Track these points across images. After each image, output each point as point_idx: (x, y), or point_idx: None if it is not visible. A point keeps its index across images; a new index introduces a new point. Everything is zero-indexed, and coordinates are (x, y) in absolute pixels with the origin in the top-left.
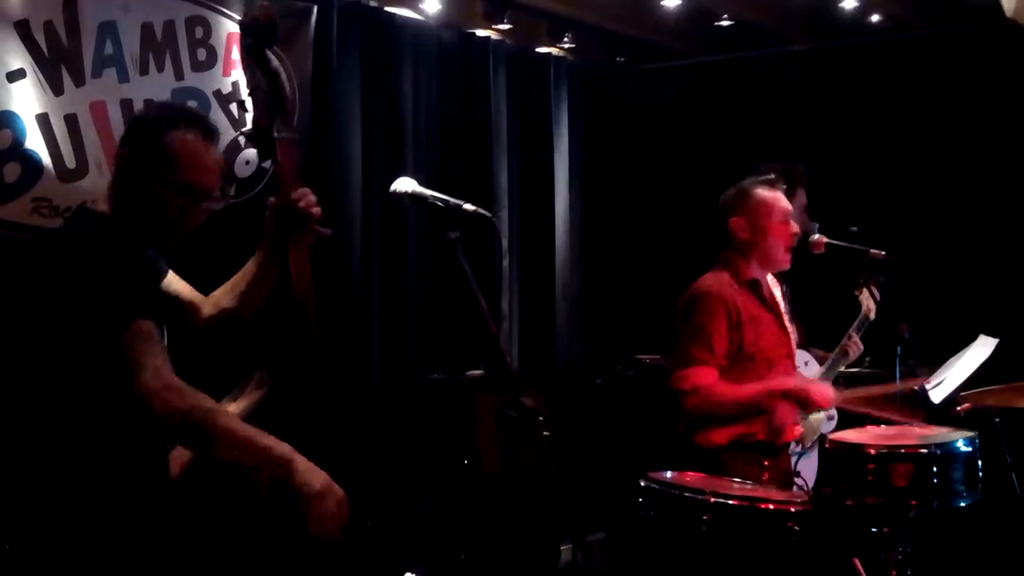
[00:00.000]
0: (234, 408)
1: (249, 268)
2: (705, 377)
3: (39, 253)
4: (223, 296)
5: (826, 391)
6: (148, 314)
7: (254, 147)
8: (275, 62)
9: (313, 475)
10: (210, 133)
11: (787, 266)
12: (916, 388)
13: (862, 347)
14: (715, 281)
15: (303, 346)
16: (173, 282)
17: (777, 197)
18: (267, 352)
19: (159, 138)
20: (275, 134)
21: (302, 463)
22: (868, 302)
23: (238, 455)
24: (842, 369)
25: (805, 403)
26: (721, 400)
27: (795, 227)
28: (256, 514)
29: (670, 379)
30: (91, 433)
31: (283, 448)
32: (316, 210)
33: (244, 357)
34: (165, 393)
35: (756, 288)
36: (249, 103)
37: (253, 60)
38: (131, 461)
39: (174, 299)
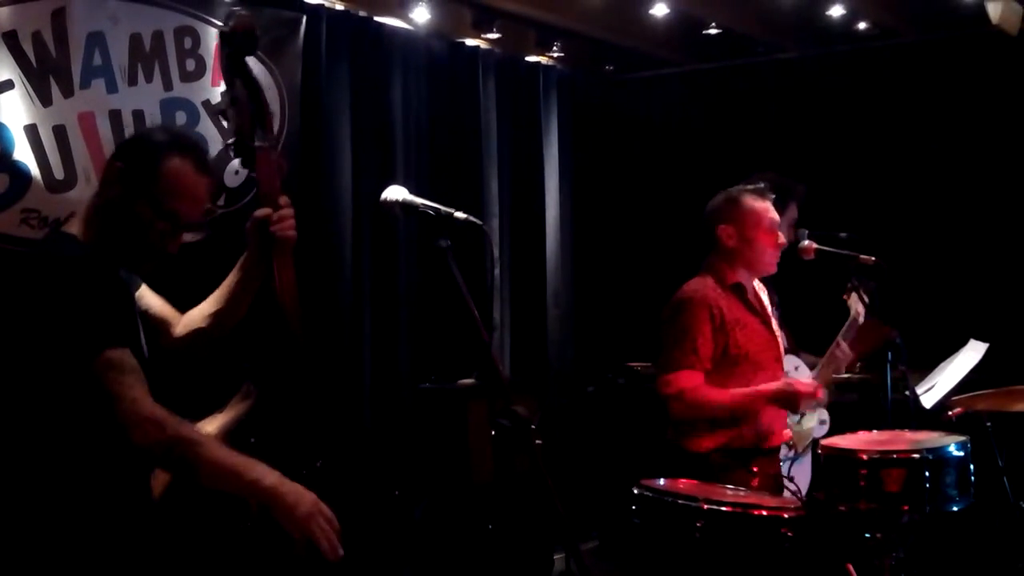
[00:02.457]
0: (220, 421)
1: (229, 282)
2: (690, 380)
3: (12, 277)
4: (198, 316)
5: (812, 386)
6: (121, 342)
7: (236, 157)
8: (255, 71)
9: (298, 502)
10: (206, 164)
11: (774, 270)
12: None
13: (851, 354)
14: (699, 286)
15: (289, 354)
16: (145, 296)
17: (766, 207)
18: (253, 364)
19: (156, 160)
20: (255, 143)
21: (288, 493)
22: (856, 306)
23: (221, 485)
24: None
25: (792, 404)
26: (706, 403)
27: (782, 238)
28: (244, 526)
29: (656, 384)
30: (73, 452)
31: (269, 479)
32: (291, 233)
33: (230, 369)
34: (145, 425)
35: (740, 292)
36: (230, 112)
37: (233, 69)
38: (113, 480)
39: (144, 314)
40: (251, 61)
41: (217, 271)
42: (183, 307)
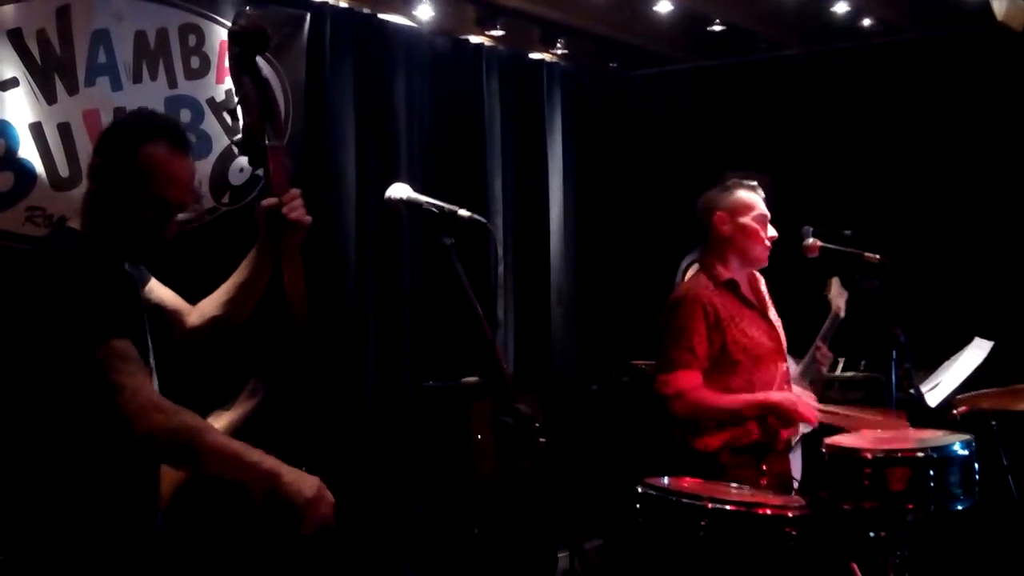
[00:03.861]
0: (227, 418)
1: (240, 272)
2: (688, 380)
3: (16, 272)
4: (211, 305)
5: (812, 408)
6: (124, 333)
7: (244, 155)
8: (265, 70)
9: (302, 484)
10: (184, 144)
11: (765, 263)
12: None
13: (831, 356)
14: (692, 285)
15: (296, 351)
16: (155, 289)
17: (756, 199)
18: (259, 360)
19: (133, 151)
20: (266, 142)
21: (289, 475)
22: (838, 300)
23: (225, 471)
24: (836, 374)
25: (788, 419)
26: (705, 405)
27: (772, 231)
28: (251, 520)
29: (655, 384)
30: (78, 454)
31: (270, 462)
32: (306, 219)
33: (236, 365)
34: (148, 414)
35: (734, 288)
36: (239, 111)
37: (243, 68)
38: (120, 476)
39: (156, 307)
40: (259, 59)
41: (223, 267)
42: (191, 303)
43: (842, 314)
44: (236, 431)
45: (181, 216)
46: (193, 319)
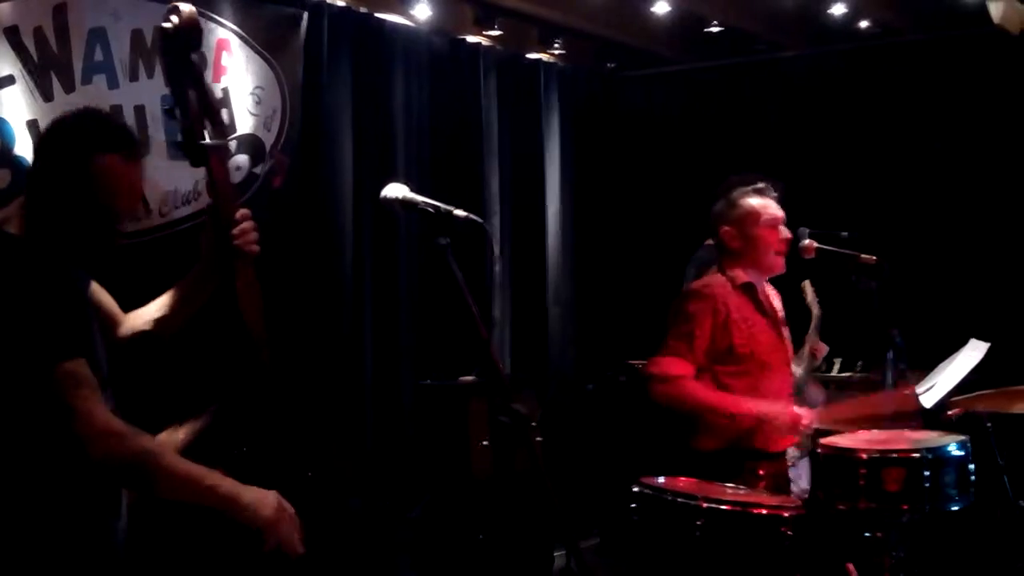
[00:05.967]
0: (179, 434)
1: (177, 291)
2: (678, 368)
3: None
4: (141, 320)
5: (801, 415)
6: (74, 353)
7: (185, 156)
8: (199, 66)
9: (260, 505)
10: (134, 151)
11: (782, 270)
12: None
13: (826, 348)
14: (710, 281)
15: (254, 370)
16: (96, 293)
17: (765, 204)
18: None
19: (87, 160)
20: (206, 141)
21: (247, 496)
22: (815, 306)
23: (182, 495)
24: (832, 374)
25: (782, 430)
26: (689, 397)
27: (785, 232)
28: (232, 525)
29: (646, 365)
30: (39, 466)
31: (227, 485)
32: (254, 247)
33: (189, 381)
34: (102, 439)
35: (751, 292)
36: (176, 112)
37: (178, 67)
38: (78, 498)
39: (96, 311)
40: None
41: (182, 266)
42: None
43: (816, 309)
44: (187, 448)
45: (126, 226)
46: (122, 330)
